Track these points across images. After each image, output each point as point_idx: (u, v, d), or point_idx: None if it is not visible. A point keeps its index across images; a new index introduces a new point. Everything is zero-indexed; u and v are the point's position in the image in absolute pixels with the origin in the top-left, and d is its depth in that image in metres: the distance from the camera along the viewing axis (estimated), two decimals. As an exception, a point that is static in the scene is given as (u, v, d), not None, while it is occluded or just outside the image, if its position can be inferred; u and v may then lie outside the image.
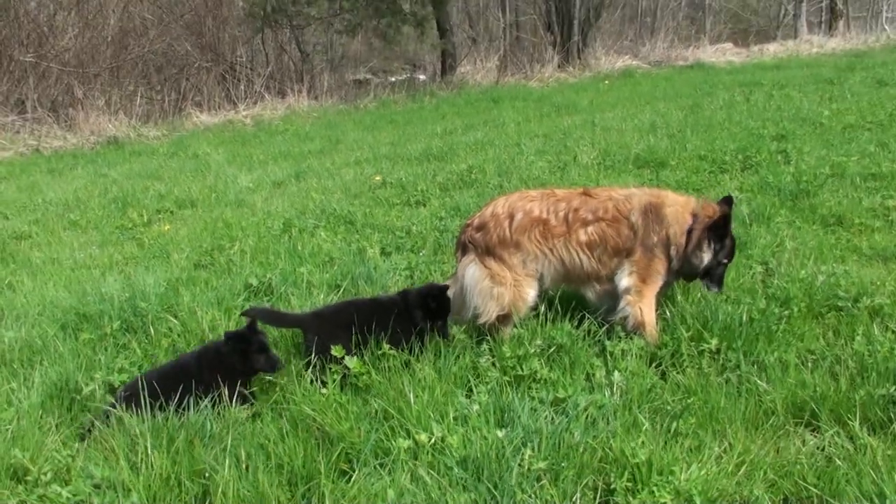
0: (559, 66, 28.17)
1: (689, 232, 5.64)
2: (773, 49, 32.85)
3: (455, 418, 4.56)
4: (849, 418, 4.43)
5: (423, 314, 5.50)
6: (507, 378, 5.13)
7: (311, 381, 5.03)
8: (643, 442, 4.11)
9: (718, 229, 5.65)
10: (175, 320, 6.35)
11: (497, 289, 5.63)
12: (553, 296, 5.96)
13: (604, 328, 5.61)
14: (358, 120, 21.79)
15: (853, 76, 20.36)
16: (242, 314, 5.71)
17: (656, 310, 5.70)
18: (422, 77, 29.92)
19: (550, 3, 29.13)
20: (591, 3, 29.30)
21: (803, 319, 5.70)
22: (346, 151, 16.32)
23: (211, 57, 25.70)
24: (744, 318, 5.48)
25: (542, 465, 4.00)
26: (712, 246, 5.68)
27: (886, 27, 38.91)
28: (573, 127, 16.23)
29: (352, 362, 5.14)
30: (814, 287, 6.09)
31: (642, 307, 5.58)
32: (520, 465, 4.03)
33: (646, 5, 38.44)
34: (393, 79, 30.06)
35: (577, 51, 28.95)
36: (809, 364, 5.06)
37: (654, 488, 3.78)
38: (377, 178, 12.59)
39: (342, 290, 6.93)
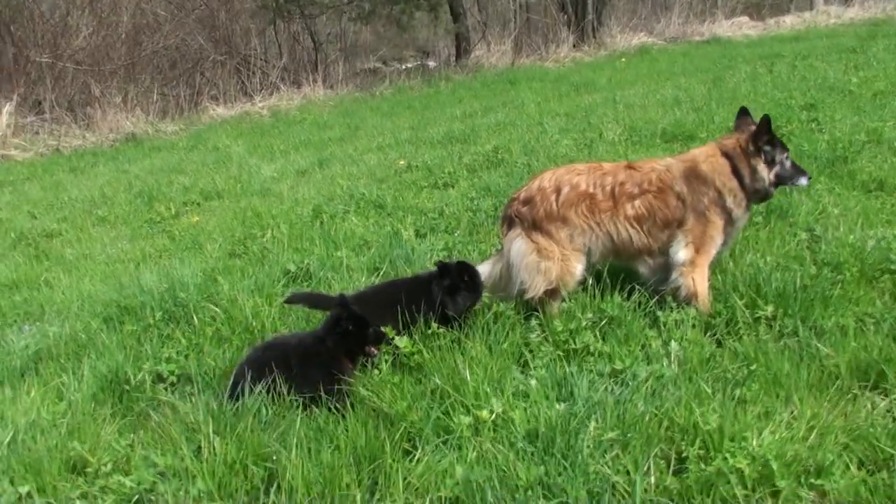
0: (574, 46, 27.96)
1: (735, 171, 5.56)
2: (789, 21, 32.47)
3: (514, 394, 4.50)
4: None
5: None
6: (559, 352, 5.07)
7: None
8: (713, 409, 4.02)
9: (767, 137, 5.57)
10: (216, 308, 6.30)
11: (544, 263, 5.55)
12: (600, 269, 5.87)
13: (654, 299, 5.51)
14: (375, 107, 21.68)
15: (876, 44, 20.06)
16: (285, 301, 5.67)
17: (709, 279, 5.60)
18: (432, 64, 29.71)
19: (565, -17, 28.90)
20: (606, -20, 29.10)
21: (857, 284, 5.59)
22: (367, 138, 16.24)
23: (225, 50, 25.63)
24: (797, 283, 5.38)
25: (611, 434, 3.92)
26: (763, 159, 5.59)
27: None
28: (594, 105, 16.07)
29: (402, 342, 5.07)
30: (864, 251, 5.98)
31: (695, 277, 5.48)
32: (588, 436, 3.95)
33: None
34: (403, 66, 29.89)
35: (591, 30, 28.74)
36: (871, 327, 4.95)
37: (728, 454, 3.70)
38: (401, 162, 12.51)
39: (381, 272, 6.87)
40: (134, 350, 5.78)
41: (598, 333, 5.21)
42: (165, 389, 5.21)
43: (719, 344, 5.05)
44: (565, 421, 4.11)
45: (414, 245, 7.51)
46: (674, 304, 5.44)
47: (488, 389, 4.53)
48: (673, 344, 4.90)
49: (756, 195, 5.67)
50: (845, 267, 5.73)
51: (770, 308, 5.17)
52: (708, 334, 5.16)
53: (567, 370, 4.68)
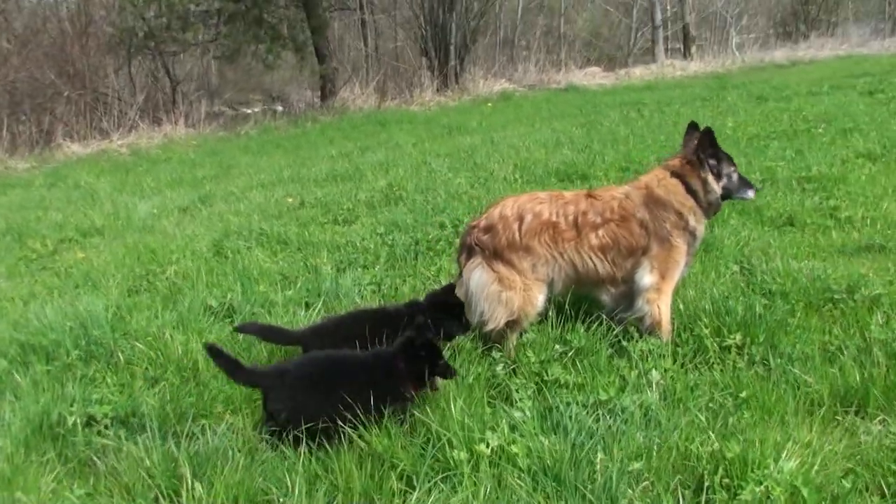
0: (438, 91, 28.21)
1: (687, 190, 5.53)
2: (639, 72, 33.90)
3: (493, 428, 4.27)
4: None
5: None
6: (531, 384, 4.88)
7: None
8: (735, 437, 3.92)
9: (710, 150, 5.58)
10: (141, 345, 5.79)
11: (506, 293, 5.37)
12: (561, 300, 5.76)
13: (618, 329, 5.42)
14: (243, 146, 21.11)
15: (728, 94, 21.14)
16: (236, 329, 5.28)
17: (671, 308, 5.55)
18: (280, 108, 29.22)
19: (427, 29, 29.17)
20: (467, 27, 29.54)
21: (805, 313, 5.67)
22: (244, 176, 15.71)
23: (79, 86, 24.42)
24: (757, 313, 5.41)
25: (636, 465, 3.75)
26: (711, 168, 5.56)
27: (736, 52, 40.76)
28: (474, 146, 16.15)
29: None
30: (800, 282, 6.10)
31: (660, 305, 5.42)
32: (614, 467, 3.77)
33: (514, 31, 39.11)
34: (249, 111, 29.29)
35: (454, 75, 29.09)
36: (841, 355, 5.00)
37: (755, 483, 3.58)
38: (290, 199, 12.15)
39: (316, 308, 6.50)
40: (56, 392, 5.19)
41: (567, 365, 5.06)
42: (99, 433, 4.70)
43: (698, 372, 4.97)
44: (571, 453, 3.92)
45: (338, 279, 7.16)
46: (637, 334, 5.36)
47: (471, 423, 4.28)
48: (654, 373, 4.80)
49: (710, 209, 5.66)
50: (791, 297, 5.82)
51: (738, 336, 5.16)
52: (677, 363, 5.08)
53: (551, 402, 4.50)
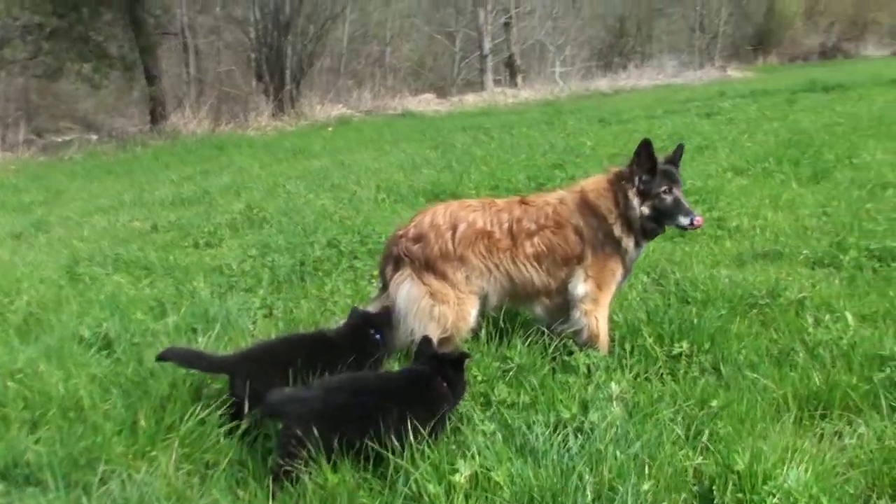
0: (274, 116, 27.42)
1: (615, 200, 5.13)
2: (471, 99, 34.27)
3: (463, 455, 3.81)
4: (861, 406, 4.27)
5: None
6: (476, 405, 4.45)
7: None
8: (740, 449, 3.62)
9: (639, 164, 5.07)
10: (12, 383, 4.96)
11: (439, 308, 4.93)
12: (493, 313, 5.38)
13: (556, 342, 5.08)
14: (69, 171, 19.65)
15: (567, 118, 21.56)
16: (158, 358, 4.57)
17: (609, 318, 5.25)
18: (94, 137, 27.47)
19: (261, 53, 28.38)
20: (303, 52, 28.95)
21: (733, 319, 5.53)
22: (79, 200, 14.61)
23: None
24: (695, 321, 5.21)
25: (646, 486, 3.38)
26: (636, 183, 5.08)
27: (560, 81, 41.97)
28: (326, 168, 15.70)
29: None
30: (721, 289, 5.98)
31: (598, 316, 5.10)
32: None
33: (340, 59, 38.77)
34: (61, 139, 27.47)
35: (290, 100, 28.39)
36: (781, 359, 4.89)
37: (770, 495, 3.30)
38: (137, 223, 11.29)
39: (210, 335, 5.81)
40: None
41: (511, 382, 4.67)
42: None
43: (652, 383, 4.68)
44: (558, 477, 3.51)
45: (223, 304, 6.51)
46: (575, 347, 5.04)
47: (426, 448, 3.81)
48: (613, 386, 4.46)
49: (636, 227, 5.17)
50: (716, 304, 5.67)
51: (685, 344, 4.92)
52: (629, 375, 4.77)
53: (511, 423, 4.09)
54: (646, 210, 5.12)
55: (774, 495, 3.32)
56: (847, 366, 4.63)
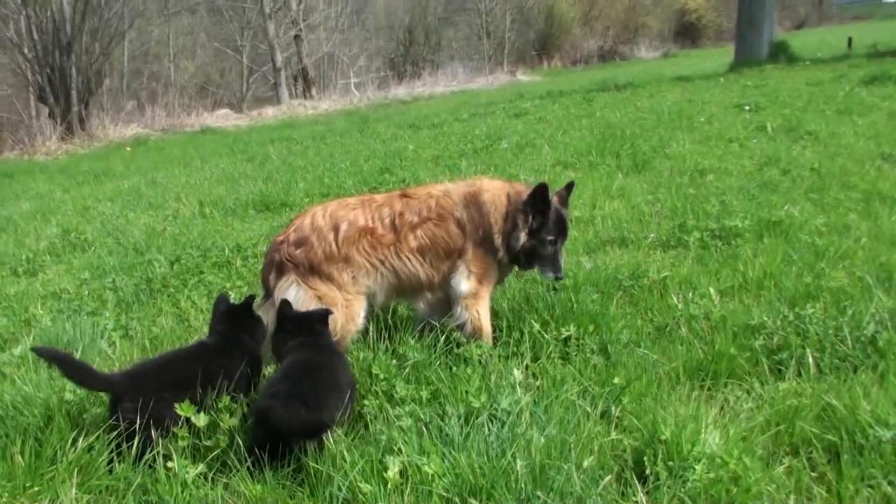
0: (63, 139, 25.91)
1: (506, 215, 5.15)
2: (271, 112, 33.84)
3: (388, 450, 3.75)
4: (747, 373, 4.55)
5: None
6: (380, 402, 4.38)
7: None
8: (663, 418, 3.74)
9: (534, 204, 5.06)
10: None
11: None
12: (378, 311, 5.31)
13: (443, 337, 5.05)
14: None
15: (376, 125, 21.61)
16: (34, 350, 4.21)
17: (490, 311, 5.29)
18: None
19: (43, 75, 26.75)
20: (90, 72, 27.53)
21: (606, 301, 5.71)
22: None
23: None
24: (573, 305, 5.35)
25: (587, 462, 3.42)
26: (529, 222, 5.09)
27: (355, 91, 42.12)
28: (137, 188, 15.02)
29: (201, 419, 4.01)
30: (584, 274, 6.16)
31: (479, 310, 5.12)
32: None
33: (132, 77, 37.31)
34: None
35: (79, 121, 26.92)
36: (660, 335, 5.13)
37: (700, 461, 3.43)
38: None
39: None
40: None
41: (409, 379, 4.61)
42: None
43: (547, 367, 4.75)
44: (490, 466, 3.50)
45: (69, 327, 6.09)
46: (462, 339, 5.05)
47: (344, 449, 3.72)
48: (515, 373, 4.50)
49: (508, 255, 5.20)
50: (583, 288, 5.83)
51: (573, 328, 5.03)
52: (523, 360, 4.83)
53: (423, 417, 4.05)
54: (527, 246, 5.14)
55: (699, 460, 3.44)
56: (725, 337, 4.86)
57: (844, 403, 3.90)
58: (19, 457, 3.99)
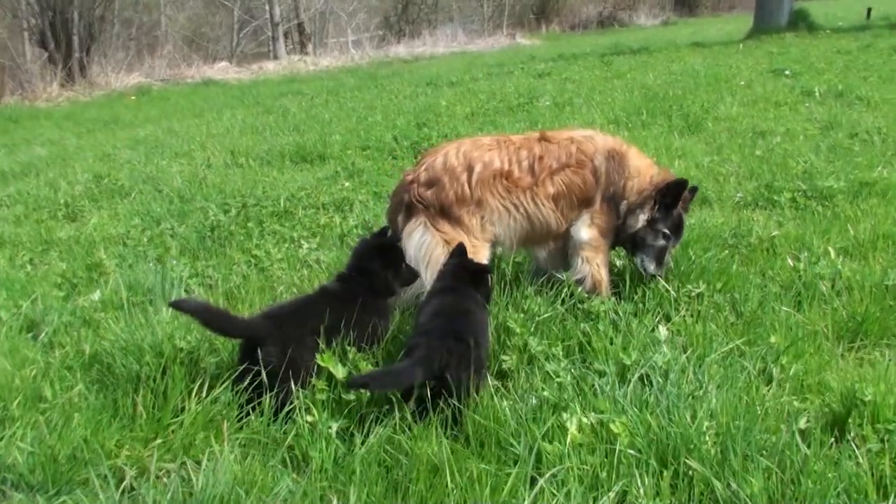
0: (63, 86, 25.26)
1: (642, 192, 4.94)
2: (272, 67, 33.17)
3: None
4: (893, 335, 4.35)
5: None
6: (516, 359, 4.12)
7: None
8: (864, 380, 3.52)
9: (667, 195, 4.88)
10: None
11: (455, 257, 4.53)
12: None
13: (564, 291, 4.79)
14: None
15: (388, 82, 21.23)
16: (171, 305, 3.98)
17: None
18: None
19: (44, 19, 26.04)
20: (92, 16, 26.85)
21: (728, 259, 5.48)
22: None
23: None
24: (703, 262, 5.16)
25: (802, 424, 3.20)
26: (654, 209, 4.91)
27: (353, 49, 41.45)
28: (156, 137, 14.61)
29: (340, 371, 3.75)
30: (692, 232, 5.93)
31: (599, 263, 4.91)
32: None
33: (121, 28, 36.49)
34: None
35: (79, 68, 26.27)
36: (791, 295, 4.89)
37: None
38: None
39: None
40: None
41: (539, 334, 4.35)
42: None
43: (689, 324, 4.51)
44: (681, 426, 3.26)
45: (162, 273, 5.81)
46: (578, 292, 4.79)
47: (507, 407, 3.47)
48: (661, 329, 4.27)
49: (625, 230, 5.01)
50: (696, 246, 5.60)
51: (703, 285, 4.78)
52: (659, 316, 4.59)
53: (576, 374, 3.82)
54: (640, 231, 4.97)
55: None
56: (867, 297, 4.64)
57: None
58: (141, 408, 3.73)
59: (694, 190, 5.17)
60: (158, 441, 3.57)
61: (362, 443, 3.37)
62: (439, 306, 3.86)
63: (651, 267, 4.95)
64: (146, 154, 12.44)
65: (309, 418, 3.56)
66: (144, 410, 3.73)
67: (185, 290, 5.63)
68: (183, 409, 3.72)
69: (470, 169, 4.61)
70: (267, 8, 41.00)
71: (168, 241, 6.88)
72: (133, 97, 23.54)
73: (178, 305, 3.82)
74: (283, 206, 7.82)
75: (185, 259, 6.41)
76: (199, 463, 3.35)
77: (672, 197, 4.88)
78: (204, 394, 3.77)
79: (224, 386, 3.82)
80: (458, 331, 3.60)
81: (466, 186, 4.58)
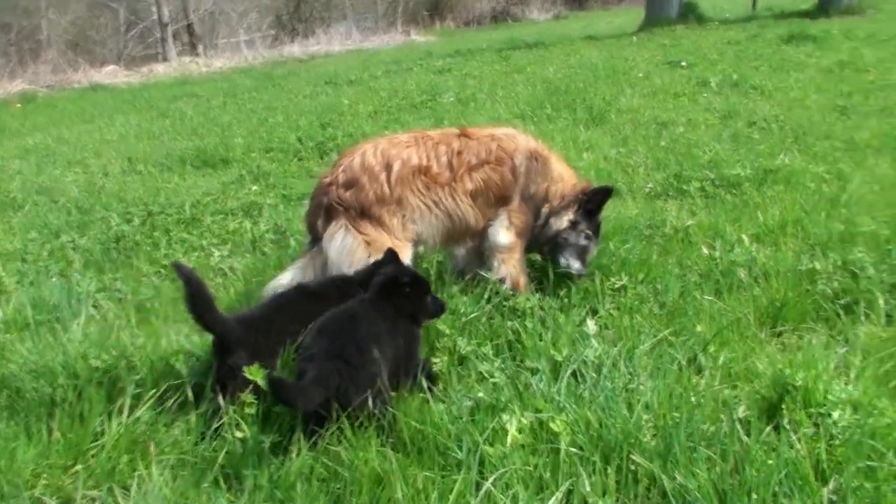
0: (-61, 94, 24.11)
1: (563, 197, 4.98)
2: (162, 70, 32.29)
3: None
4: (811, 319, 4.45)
5: None
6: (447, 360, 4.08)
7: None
8: (793, 366, 3.55)
9: (591, 201, 4.95)
10: None
11: (376, 258, 4.42)
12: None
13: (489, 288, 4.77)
14: None
15: (285, 82, 20.91)
16: (173, 265, 3.76)
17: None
18: None
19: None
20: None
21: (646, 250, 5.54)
22: None
23: None
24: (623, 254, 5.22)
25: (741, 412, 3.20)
26: (577, 213, 4.96)
27: (245, 49, 40.75)
28: (46, 146, 14.01)
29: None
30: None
31: (517, 265, 4.93)
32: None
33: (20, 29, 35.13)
34: None
35: (-44, 76, 25.12)
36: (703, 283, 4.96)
37: (838, 406, 3.26)
38: None
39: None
40: None
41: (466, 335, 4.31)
42: None
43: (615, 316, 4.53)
44: (620, 420, 3.25)
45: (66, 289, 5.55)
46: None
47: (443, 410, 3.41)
48: (590, 323, 4.26)
49: (544, 233, 5.06)
50: (614, 238, 5.64)
51: (625, 277, 4.82)
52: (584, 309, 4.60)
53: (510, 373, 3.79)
54: (563, 232, 5.00)
55: (837, 405, 3.26)
56: (784, 283, 4.72)
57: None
58: (58, 432, 3.54)
59: (609, 192, 5.19)
60: (79, 467, 3.39)
61: (298, 456, 3.26)
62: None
63: (576, 265, 4.97)
64: (37, 164, 11.93)
65: (239, 434, 3.42)
66: (61, 435, 3.54)
67: (94, 305, 5.40)
68: (103, 431, 3.55)
69: (388, 167, 4.53)
70: (154, 9, 39.96)
71: (70, 255, 6.61)
72: (18, 105, 22.59)
73: (178, 267, 3.65)
74: (189, 212, 7.59)
75: (90, 272, 6.15)
76: (126, 488, 3.19)
77: (596, 203, 4.95)
78: (125, 414, 3.60)
79: (148, 405, 3.66)
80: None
81: (386, 185, 4.50)
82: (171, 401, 3.74)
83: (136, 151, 11.82)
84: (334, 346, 3.41)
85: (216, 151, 10.78)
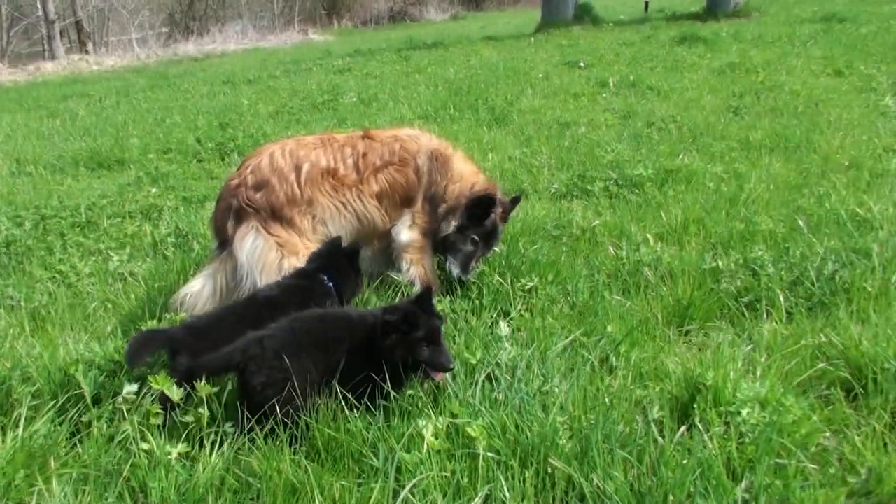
0: None
1: (459, 198, 4.93)
2: (50, 68, 31.18)
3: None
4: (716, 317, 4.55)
5: None
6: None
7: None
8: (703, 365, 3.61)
9: (476, 207, 4.87)
10: None
11: (288, 261, 4.39)
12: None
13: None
14: None
15: (181, 81, 20.44)
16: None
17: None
18: None
19: None
20: None
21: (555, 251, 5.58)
22: None
23: None
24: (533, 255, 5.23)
25: (656, 413, 3.23)
26: (464, 218, 4.90)
27: (137, 47, 39.71)
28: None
29: (175, 393, 3.48)
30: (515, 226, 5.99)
31: (426, 265, 4.92)
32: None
33: None
34: None
35: None
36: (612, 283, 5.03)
37: (747, 404, 3.33)
38: None
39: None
40: None
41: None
42: None
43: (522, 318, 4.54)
44: (537, 423, 3.25)
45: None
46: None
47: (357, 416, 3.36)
48: (502, 325, 4.25)
49: (437, 233, 5.01)
50: (522, 239, 5.66)
51: (536, 278, 4.83)
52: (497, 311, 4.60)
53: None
54: (451, 235, 4.96)
55: (746, 403, 3.33)
56: (689, 282, 4.81)
57: (843, 341, 3.91)
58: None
59: (516, 200, 5.21)
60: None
61: (208, 467, 3.15)
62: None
63: (455, 270, 4.95)
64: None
65: (145, 446, 3.29)
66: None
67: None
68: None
69: (298, 168, 4.47)
70: (39, 5, 38.56)
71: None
72: None
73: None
74: (84, 216, 7.32)
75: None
76: (25, 506, 3.03)
77: (482, 209, 4.88)
78: (21, 428, 3.43)
79: (45, 417, 3.50)
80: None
81: (296, 186, 4.44)
82: (72, 412, 3.58)
83: (25, 152, 11.33)
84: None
85: (111, 152, 10.44)
